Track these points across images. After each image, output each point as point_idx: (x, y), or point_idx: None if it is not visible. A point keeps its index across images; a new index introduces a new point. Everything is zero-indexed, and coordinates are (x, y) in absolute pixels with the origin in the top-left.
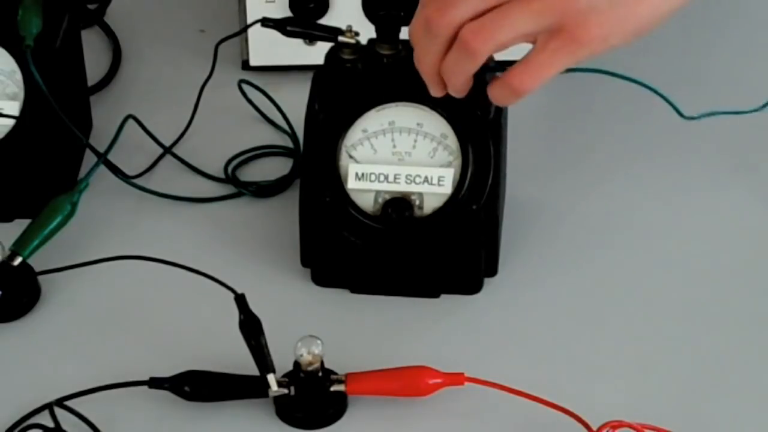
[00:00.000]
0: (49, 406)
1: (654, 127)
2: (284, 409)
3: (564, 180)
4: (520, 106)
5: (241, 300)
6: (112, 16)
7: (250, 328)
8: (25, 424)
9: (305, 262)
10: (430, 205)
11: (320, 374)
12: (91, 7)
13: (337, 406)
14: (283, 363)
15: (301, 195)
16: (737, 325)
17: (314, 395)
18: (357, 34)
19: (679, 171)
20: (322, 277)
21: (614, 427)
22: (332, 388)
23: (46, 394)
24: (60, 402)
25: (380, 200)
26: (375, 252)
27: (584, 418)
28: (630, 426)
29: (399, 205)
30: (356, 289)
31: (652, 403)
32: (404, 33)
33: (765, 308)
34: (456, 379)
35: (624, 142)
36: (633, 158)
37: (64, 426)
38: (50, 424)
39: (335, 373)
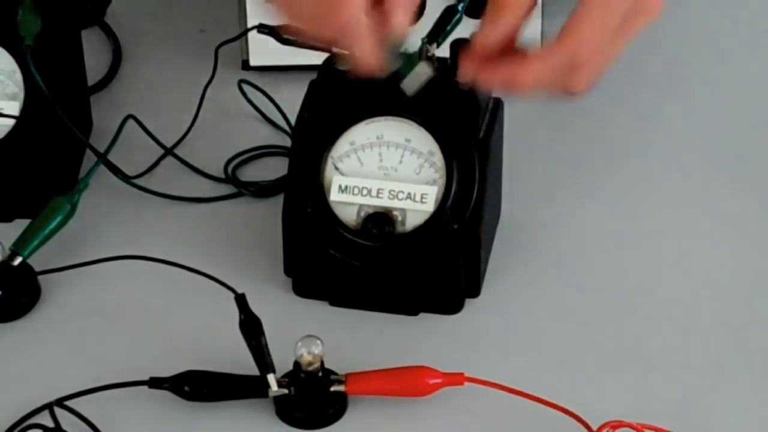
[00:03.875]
0: (49, 406)
1: (653, 151)
2: (284, 409)
3: (564, 201)
4: (522, 127)
5: (241, 300)
6: (112, 16)
7: (251, 327)
8: (25, 424)
9: (288, 271)
10: (412, 222)
11: (320, 374)
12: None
13: (337, 406)
14: (283, 363)
15: (284, 204)
16: (736, 326)
17: (314, 395)
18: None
19: (677, 187)
20: (302, 288)
21: (614, 427)
22: (332, 388)
23: (46, 394)
24: (60, 402)
25: (363, 214)
26: (354, 266)
27: (584, 418)
28: (630, 426)
29: (380, 220)
30: (335, 302)
31: (651, 403)
32: None
33: (764, 308)
34: (456, 379)
35: (625, 168)
36: (634, 184)
37: (64, 426)
38: (50, 424)
39: (335, 373)
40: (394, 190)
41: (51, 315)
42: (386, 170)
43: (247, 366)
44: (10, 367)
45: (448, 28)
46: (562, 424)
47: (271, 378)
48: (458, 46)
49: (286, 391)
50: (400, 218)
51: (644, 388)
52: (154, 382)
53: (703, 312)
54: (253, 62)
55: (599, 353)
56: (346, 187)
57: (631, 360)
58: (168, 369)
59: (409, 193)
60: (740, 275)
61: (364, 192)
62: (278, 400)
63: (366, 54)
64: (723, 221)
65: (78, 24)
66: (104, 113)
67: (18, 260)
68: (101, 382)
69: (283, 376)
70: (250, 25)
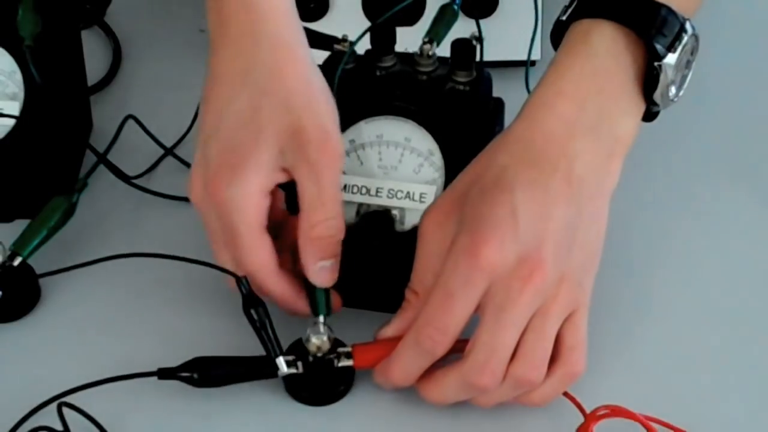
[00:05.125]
0: (57, 404)
1: (653, 150)
2: (294, 387)
3: None
4: None
5: (243, 282)
6: (112, 16)
7: (254, 309)
8: (29, 425)
9: None
10: (410, 221)
11: (328, 353)
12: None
13: (345, 381)
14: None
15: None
16: (736, 323)
17: (323, 371)
18: (352, 44)
19: (679, 184)
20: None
21: (609, 409)
22: (340, 364)
23: (50, 394)
24: (64, 398)
25: (362, 213)
26: (353, 265)
27: (579, 400)
28: (622, 411)
29: (379, 219)
30: None
31: (647, 391)
32: (399, 45)
33: (764, 306)
34: (462, 345)
35: (624, 165)
36: (633, 181)
37: (71, 424)
38: (54, 425)
39: (343, 344)
40: (393, 189)
41: (52, 315)
42: (386, 169)
43: (253, 350)
44: (12, 367)
45: (445, 26)
46: (557, 406)
47: (280, 360)
48: (459, 45)
49: (295, 370)
50: (398, 217)
51: (640, 377)
52: (164, 373)
53: (701, 310)
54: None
55: (597, 341)
56: (345, 185)
57: (628, 349)
58: (173, 360)
59: (408, 193)
60: (744, 274)
61: (364, 191)
62: (287, 379)
63: (283, 297)
64: (729, 218)
65: (78, 24)
66: (104, 113)
67: (18, 260)
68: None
69: (289, 352)
70: None
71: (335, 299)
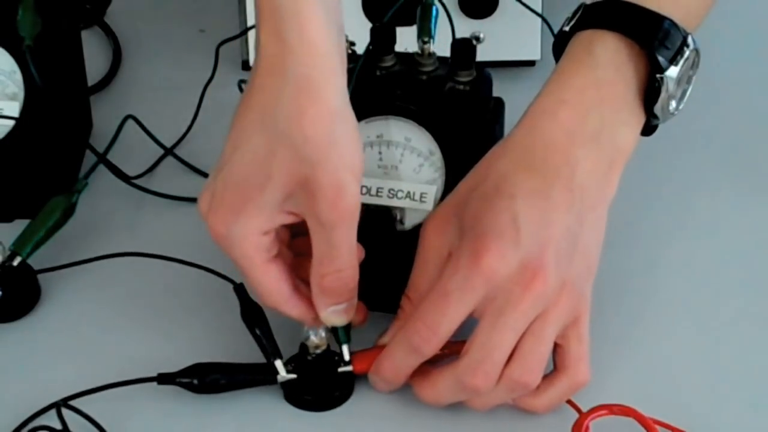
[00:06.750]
0: (56, 406)
1: (653, 150)
2: (293, 393)
3: None
4: None
5: (240, 289)
6: (112, 16)
7: (253, 316)
8: (31, 425)
9: None
10: (411, 221)
11: (326, 356)
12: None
13: (344, 387)
14: (285, 351)
15: None
16: (735, 324)
17: (322, 377)
18: (353, 44)
19: (679, 184)
20: None
21: (606, 407)
22: (339, 369)
23: (51, 394)
24: (66, 402)
25: (362, 212)
26: None
27: (575, 401)
28: (619, 407)
29: (379, 218)
30: None
31: (645, 393)
32: (399, 45)
33: (763, 307)
34: (460, 347)
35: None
36: (634, 181)
37: (71, 426)
38: (57, 425)
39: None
40: (393, 189)
41: (52, 315)
42: (386, 169)
43: (252, 356)
44: (13, 368)
45: (432, 21)
46: None
47: (279, 364)
48: (459, 45)
49: (294, 375)
50: (399, 217)
51: (639, 377)
52: (163, 378)
53: (700, 309)
54: (253, 62)
55: (596, 341)
56: None
57: (627, 349)
58: (173, 364)
59: (408, 192)
60: (743, 275)
61: (364, 191)
62: (286, 385)
63: (301, 318)
64: (727, 219)
65: (78, 24)
66: (104, 113)
67: (18, 260)
68: (106, 380)
69: (289, 361)
70: (250, 24)
71: (360, 311)
